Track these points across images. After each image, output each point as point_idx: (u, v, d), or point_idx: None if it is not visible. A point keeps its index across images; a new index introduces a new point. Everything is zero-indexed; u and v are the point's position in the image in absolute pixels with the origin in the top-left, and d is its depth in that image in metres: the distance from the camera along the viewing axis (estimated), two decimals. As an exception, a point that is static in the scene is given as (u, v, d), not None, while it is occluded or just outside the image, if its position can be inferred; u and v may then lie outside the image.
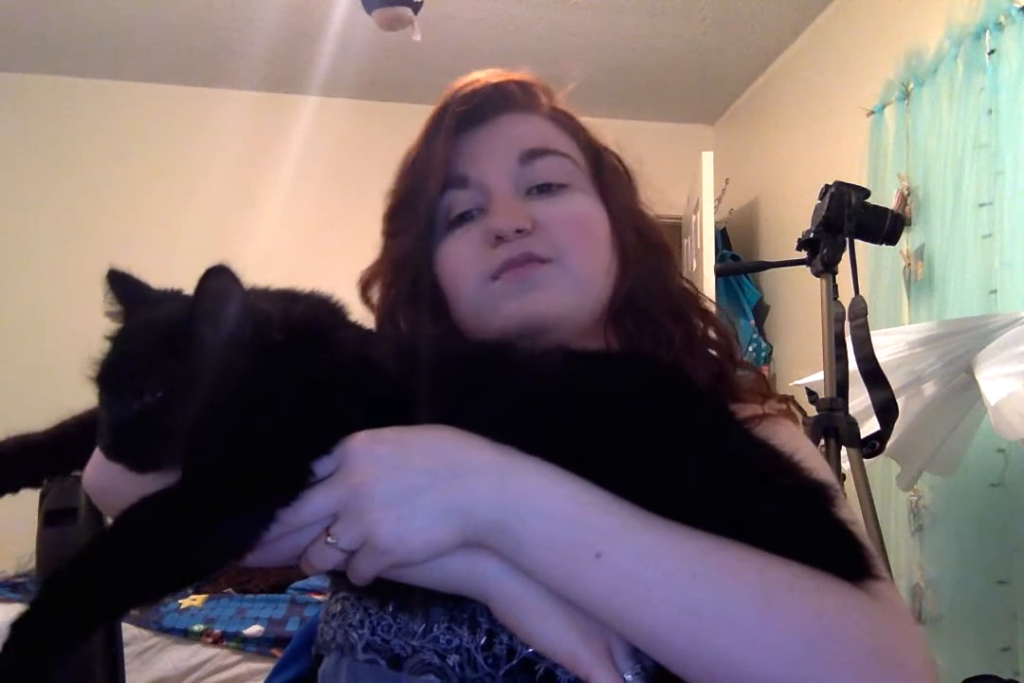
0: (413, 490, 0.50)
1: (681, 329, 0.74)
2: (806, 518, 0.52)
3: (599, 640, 0.50)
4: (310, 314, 0.58)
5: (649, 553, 0.49)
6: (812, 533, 0.51)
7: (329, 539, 0.51)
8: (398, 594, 0.57)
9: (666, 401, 0.57)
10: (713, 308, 0.80)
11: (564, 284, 0.69)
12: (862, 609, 0.48)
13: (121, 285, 0.58)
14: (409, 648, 0.59)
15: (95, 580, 0.48)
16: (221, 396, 0.50)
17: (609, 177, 0.76)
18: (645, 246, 0.75)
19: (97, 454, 0.59)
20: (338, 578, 0.56)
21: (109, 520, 0.53)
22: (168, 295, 0.58)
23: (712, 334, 0.77)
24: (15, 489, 0.66)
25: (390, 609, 0.61)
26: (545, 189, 0.72)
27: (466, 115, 0.72)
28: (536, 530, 0.50)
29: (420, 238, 0.73)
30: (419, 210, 0.72)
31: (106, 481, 0.58)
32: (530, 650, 0.57)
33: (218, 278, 0.50)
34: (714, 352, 0.76)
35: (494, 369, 0.58)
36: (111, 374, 0.53)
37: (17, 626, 0.47)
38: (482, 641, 0.58)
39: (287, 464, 0.51)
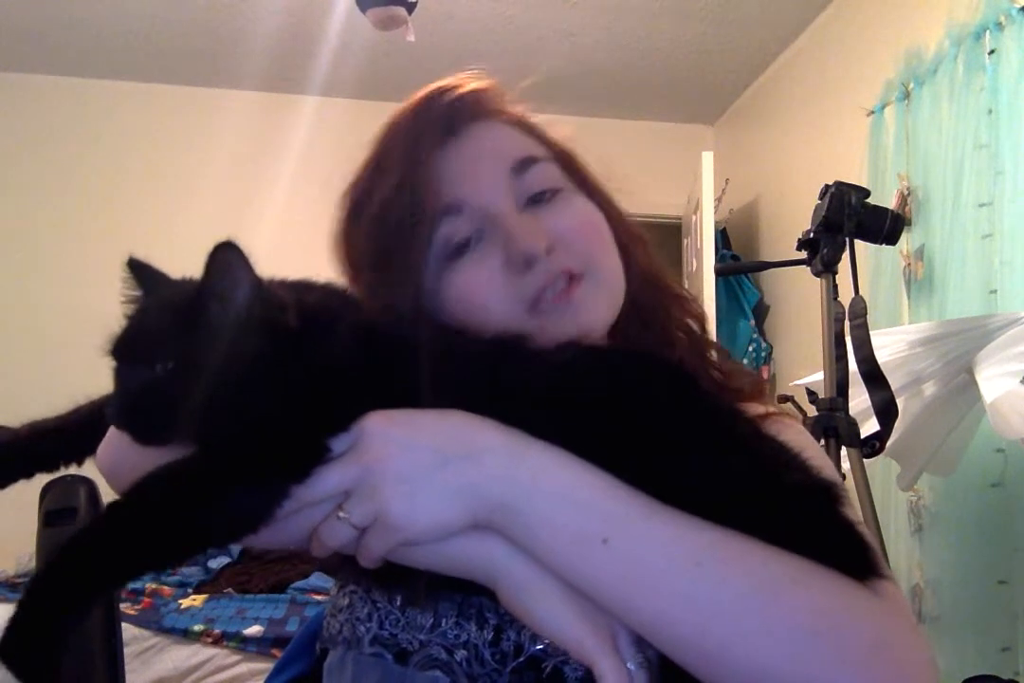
0: (426, 469, 0.51)
1: (660, 315, 0.73)
2: (814, 515, 0.52)
3: (604, 628, 0.51)
4: (325, 302, 0.59)
5: (656, 541, 0.49)
6: (820, 529, 0.52)
7: (341, 514, 0.51)
8: (406, 582, 0.57)
9: (676, 396, 0.57)
10: (679, 287, 0.78)
11: (602, 296, 0.67)
12: (866, 606, 0.49)
13: (140, 271, 0.59)
14: (416, 642, 0.60)
15: (108, 545, 0.49)
16: (233, 371, 0.52)
17: (579, 173, 0.73)
18: (628, 234, 0.74)
19: (110, 433, 0.59)
20: (347, 569, 0.56)
21: None
22: (185, 281, 0.59)
23: (690, 321, 0.76)
24: (29, 474, 0.67)
25: (398, 603, 0.61)
26: (540, 198, 0.67)
27: (433, 137, 0.67)
28: (544, 513, 0.50)
29: (417, 277, 0.64)
30: (414, 250, 0.64)
31: (118, 458, 0.58)
32: (538, 647, 0.57)
33: (224, 253, 0.52)
34: (686, 334, 0.75)
35: (508, 359, 0.59)
36: (124, 345, 0.54)
37: (30, 588, 0.48)
38: (489, 636, 0.58)
39: (303, 440, 0.52)
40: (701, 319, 0.77)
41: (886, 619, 0.49)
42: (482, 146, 0.68)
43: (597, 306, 0.66)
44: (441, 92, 0.69)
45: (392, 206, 0.65)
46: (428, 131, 0.66)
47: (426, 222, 0.63)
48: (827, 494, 0.54)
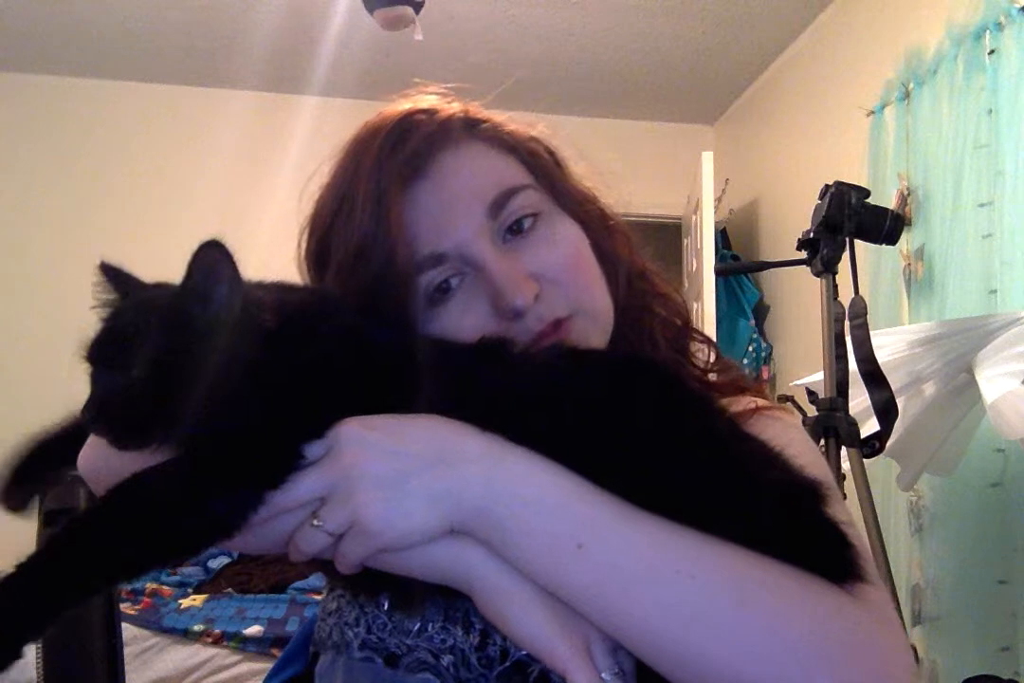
0: (402, 475, 0.50)
1: (645, 315, 0.73)
2: (793, 516, 0.51)
3: (579, 636, 0.50)
4: (306, 302, 0.58)
5: (631, 546, 0.49)
6: (798, 532, 0.51)
7: (315, 522, 0.51)
8: (388, 587, 0.57)
9: (658, 398, 0.56)
10: (663, 284, 0.77)
11: (593, 328, 0.66)
12: (843, 611, 0.48)
13: (113, 275, 0.58)
14: (404, 647, 0.59)
15: (80, 553, 0.48)
16: (208, 374, 0.51)
17: (553, 175, 0.71)
18: (611, 237, 0.73)
19: (91, 437, 0.59)
20: (333, 574, 0.56)
21: None
22: (159, 285, 0.58)
23: (664, 311, 0.75)
24: (44, 492, 0.67)
25: (385, 607, 0.61)
26: (520, 226, 0.66)
27: (400, 184, 0.64)
28: (520, 518, 0.50)
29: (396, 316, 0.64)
30: (395, 301, 0.63)
31: (98, 463, 0.58)
32: (523, 652, 0.56)
33: (209, 252, 0.51)
34: (669, 331, 0.74)
35: (490, 363, 0.58)
36: (100, 349, 0.53)
37: None
38: (475, 641, 0.58)
39: (278, 446, 0.51)
40: (684, 315, 0.77)
41: (864, 625, 0.48)
42: (454, 186, 0.65)
43: (589, 340, 0.66)
44: (407, 126, 0.66)
45: (364, 258, 0.63)
46: (394, 176, 0.63)
47: (403, 277, 0.62)
48: (808, 493, 0.52)
